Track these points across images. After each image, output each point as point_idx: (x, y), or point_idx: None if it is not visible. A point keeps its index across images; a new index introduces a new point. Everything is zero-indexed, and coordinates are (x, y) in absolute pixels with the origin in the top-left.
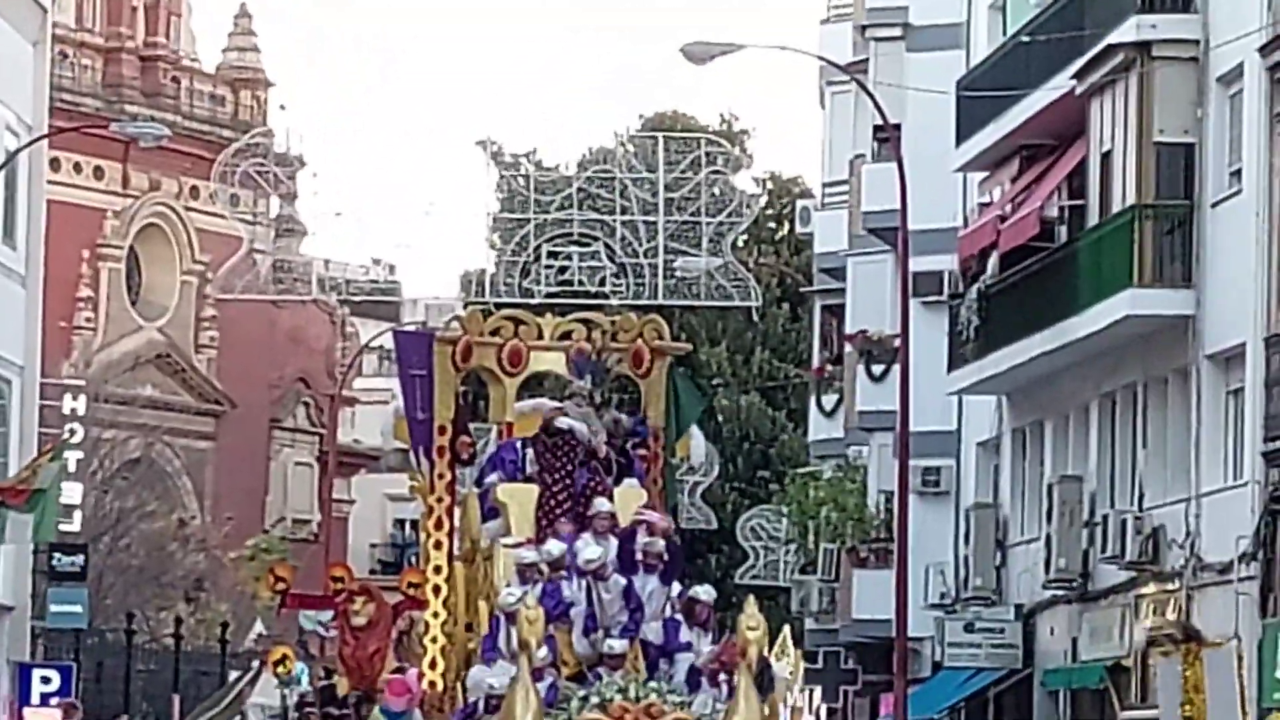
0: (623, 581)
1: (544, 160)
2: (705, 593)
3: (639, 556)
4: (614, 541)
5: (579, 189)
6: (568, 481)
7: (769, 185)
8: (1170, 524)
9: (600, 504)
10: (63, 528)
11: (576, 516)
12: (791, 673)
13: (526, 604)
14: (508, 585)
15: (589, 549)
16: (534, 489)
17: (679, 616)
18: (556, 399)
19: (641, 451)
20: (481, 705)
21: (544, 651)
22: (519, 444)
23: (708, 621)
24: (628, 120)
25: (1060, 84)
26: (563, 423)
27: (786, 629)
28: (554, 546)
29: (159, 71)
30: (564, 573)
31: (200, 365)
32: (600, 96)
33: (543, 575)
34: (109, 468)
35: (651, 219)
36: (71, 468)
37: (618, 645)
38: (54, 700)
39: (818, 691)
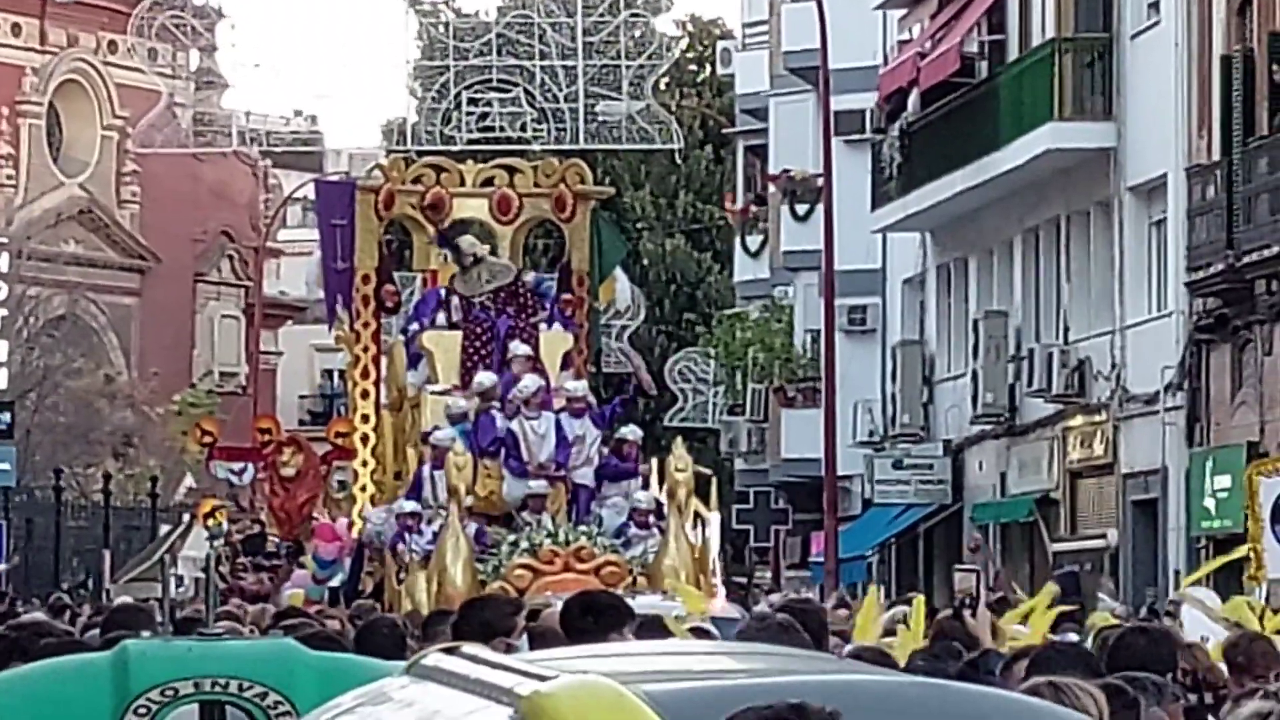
0: (552, 417)
1: (463, 7)
2: (632, 432)
3: (563, 403)
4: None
5: (498, 35)
6: (490, 326)
7: (689, 27)
8: (1096, 356)
9: (516, 347)
10: None
11: (500, 360)
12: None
13: (456, 450)
14: (437, 428)
15: (527, 379)
16: (458, 335)
17: (612, 459)
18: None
19: (566, 296)
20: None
21: (473, 528)
22: (441, 292)
23: (636, 460)
24: None
25: None
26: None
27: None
28: (484, 377)
29: None
30: (495, 404)
31: (123, 220)
32: None
33: (468, 420)
34: (34, 325)
35: (571, 63)
36: None
37: (537, 486)
38: None
39: (714, 523)
